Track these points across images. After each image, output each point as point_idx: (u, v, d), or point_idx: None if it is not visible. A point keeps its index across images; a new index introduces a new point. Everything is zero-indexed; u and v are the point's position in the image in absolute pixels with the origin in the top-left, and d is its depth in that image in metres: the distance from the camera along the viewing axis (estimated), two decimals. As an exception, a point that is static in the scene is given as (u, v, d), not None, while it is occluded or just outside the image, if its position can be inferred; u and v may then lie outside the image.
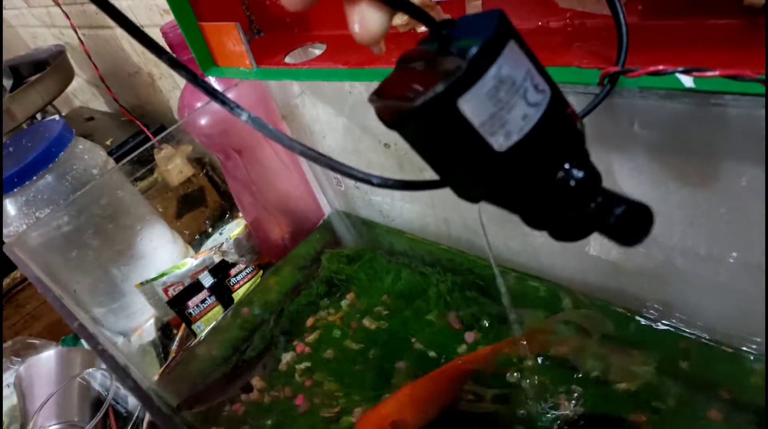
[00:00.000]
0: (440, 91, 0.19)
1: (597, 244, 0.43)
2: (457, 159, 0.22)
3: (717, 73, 0.29)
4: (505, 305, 0.47)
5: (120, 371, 0.44)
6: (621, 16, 0.32)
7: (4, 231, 0.73)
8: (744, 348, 0.40)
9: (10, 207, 0.72)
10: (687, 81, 0.30)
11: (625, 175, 0.36)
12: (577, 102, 0.34)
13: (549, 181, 0.22)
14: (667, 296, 0.42)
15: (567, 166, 0.22)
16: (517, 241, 0.50)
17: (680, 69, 0.30)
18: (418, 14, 0.22)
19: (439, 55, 0.21)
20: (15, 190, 0.70)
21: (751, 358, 0.40)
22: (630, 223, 0.23)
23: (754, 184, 0.31)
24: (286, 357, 0.61)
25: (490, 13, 0.21)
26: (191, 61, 0.59)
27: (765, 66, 0.27)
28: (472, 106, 0.20)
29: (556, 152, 0.22)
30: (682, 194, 0.34)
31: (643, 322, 0.45)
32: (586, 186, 0.22)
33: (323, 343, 0.61)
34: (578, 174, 0.22)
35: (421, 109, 0.20)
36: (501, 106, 0.20)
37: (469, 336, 0.55)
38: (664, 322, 0.44)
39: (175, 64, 0.25)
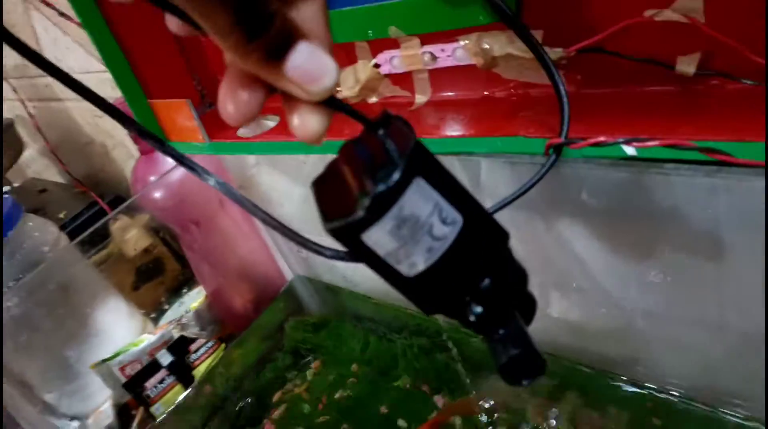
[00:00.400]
0: (342, 225, 0.20)
1: (557, 306, 0.43)
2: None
3: (656, 142, 0.30)
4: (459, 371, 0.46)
5: None
6: (561, 88, 0.33)
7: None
8: (721, 409, 0.40)
9: (-47, 291, 0.69)
10: (630, 151, 0.31)
11: (579, 240, 0.37)
12: (525, 171, 0.35)
13: (459, 305, 0.23)
14: (633, 354, 0.42)
15: (468, 298, 0.23)
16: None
17: (621, 140, 0.31)
18: (354, 115, 0.23)
19: (367, 162, 0.22)
20: (-41, 273, 0.66)
21: (727, 418, 0.40)
22: (518, 367, 0.23)
23: (699, 246, 0.31)
24: (254, 437, 0.58)
25: (407, 138, 0.22)
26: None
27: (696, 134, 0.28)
28: (374, 240, 0.21)
29: (467, 277, 0.23)
30: (634, 257, 0.35)
31: (611, 382, 0.45)
32: (486, 320, 0.23)
33: (292, 419, 0.59)
34: (477, 309, 0.23)
35: (332, 232, 0.21)
36: (404, 242, 0.21)
37: (439, 400, 0.54)
38: (631, 379, 0.44)
39: (142, 134, 0.25)
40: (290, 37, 0.21)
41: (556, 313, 0.43)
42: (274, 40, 0.20)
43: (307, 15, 0.22)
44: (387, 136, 0.22)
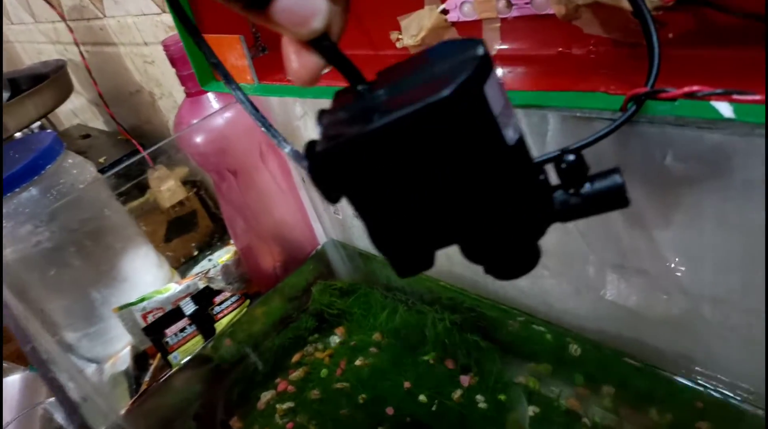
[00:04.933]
0: (470, 74, 0.19)
1: (614, 289, 0.40)
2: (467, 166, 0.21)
3: (759, 98, 0.26)
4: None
5: (68, 405, 0.39)
6: (652, 29, 0.30)
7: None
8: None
9: (-11, 218, 0.69)
10: (726, 110, 0.27)
11: (653, 213, 0.33)
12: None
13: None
14: (690, 349, 0.39)
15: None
16: (526, 280, 0.46)
17: (719, 91, 0.27)
18: (343, 66, 0.22)
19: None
20: (-4, 200, 0.66)
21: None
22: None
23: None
24: (267, 395, 0.56)
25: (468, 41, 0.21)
26: (191, 76, 0.57)
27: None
28: (492, 92, 0.20)
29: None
30: (716, 237, 0.31)
31: (661, 376, 0.41)
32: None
33: (309, 381, 0.57)
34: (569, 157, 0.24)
35: (452, 95, 0.18)
36: (506, 100, 0.21)
37: (465, 380, 0.51)
38: (684, 377, 0.40)
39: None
40: None
41: (611, 296, 0.40)
42: None
43: None
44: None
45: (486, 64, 0.20)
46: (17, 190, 0.68)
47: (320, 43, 0.21)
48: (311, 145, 0.21)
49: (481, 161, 0.20)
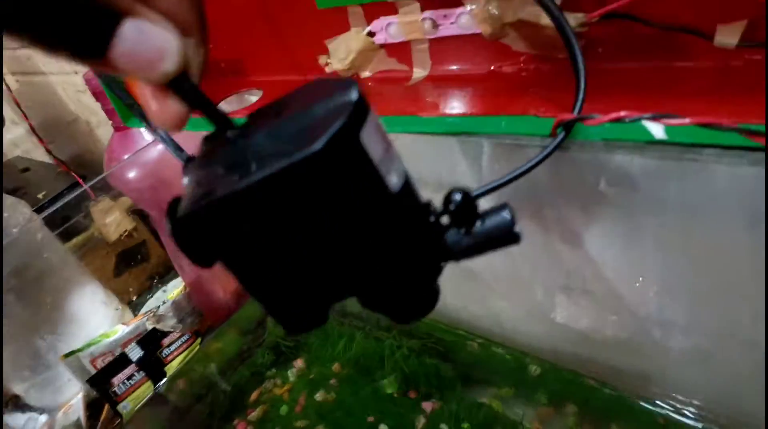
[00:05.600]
0: (343, 123, 0.17)
1: (564, 311, 0.38)
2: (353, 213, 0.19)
3: (688, 120, 0.25)
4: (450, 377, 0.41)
5: None
6: (577, 54, 0.28)
7: None
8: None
9: None
10: (657, 131, 0.26)
11: (594, 236, 0.32)
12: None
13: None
14: (644, 369, 0.38)
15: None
16: (478, 304, 0.45)
17: (647, 116, 0.26)
18: (209, 112, 0.20)
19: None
20: None
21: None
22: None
23: (738, 248, 0.27)
24: (226, 439, 0.54)
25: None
26: (113, 111, 0.54)
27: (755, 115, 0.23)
28: (369, 138, 0.18)
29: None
30: (657, 259, 0.30)
31: (619, 395, 0.41)
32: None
33: (268, 421, 0.54)
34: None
35: (325, 148, 0.17)
36: (387, 146, 0.20)
37: (427, 406, 0.49)
38: (641, 397, 0.39)
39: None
40: (112, 16, 0.17)
41: (561, 319, 0.39)
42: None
43: None
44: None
45: (361, 110, 0.18)
46: (-58, 240, 0.63)
47: (179, 85, 0.19)
48: (174, 203, 0.19)
49: (364, 212, 0.19)
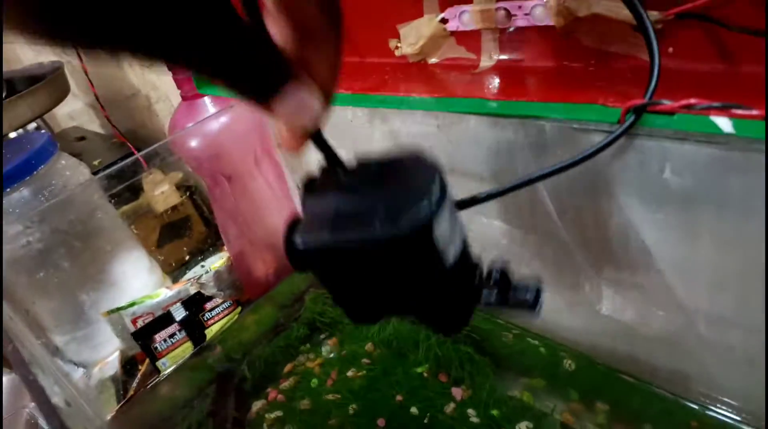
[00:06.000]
0: (423, 225, 0.23)
1: (610, 303, 0.39)
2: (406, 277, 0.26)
3: (756, 112, 0.26)
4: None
5: (47, 409, 0.38)
6: (654, 43, 0.30)
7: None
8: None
9: (-22, 218, 0.68)
10: (725, 125, 0.27)
11: (650, 227, 0.33)
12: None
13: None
14: (686, 366, 0.38)
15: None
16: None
17: (716, 104, 0.27)
18: (327, 153, 0.25)
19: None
20: (-15, 200, 0.65)
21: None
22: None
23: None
24: (257, 405, 0.55)
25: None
26: (188, 79, 0.56)
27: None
28: (441, 223, 0.24)
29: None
30: (712, 253, 0.31)
31: (655, 393, 0.41)
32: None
33: (299, 391, 0.56)
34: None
35: (407, 235, 0.23)
36: (454, 219, 0.26)
37: (457, 393, 0.50)
38: (679, 395, 0.39)
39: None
40: (284, 76, 0.22)
41: (606, 311, 0.39)
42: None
43: (313, 56, 0.23)
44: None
45: (440, 201, 0.23)
46: (8, 190, 0.67)
47: (317, 138, 0.25)
48: (292, 225, 0.26)
49: (424, 276, 0.25)
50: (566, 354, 0.47)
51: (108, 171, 0.69)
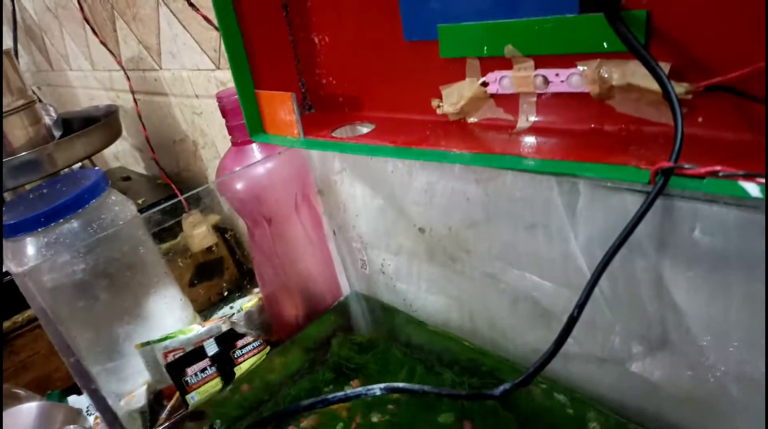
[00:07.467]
0: None
1: (639, 361, 0.40)
2: None
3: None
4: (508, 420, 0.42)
5: (109, 416, 0.40)
6: (678, 109, 0.32)
7: (19, 270, 0.71)
8: None
9: (30, 246, 0.72)
10: (753, 190, 0.29)
11: (681, 286, 0.34)
12: (630, 201, 0.33)
13: None
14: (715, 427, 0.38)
15: None
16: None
17: (740, 173, 0.29)
18: None
19: None
20: (39, 229, 0.69)
21: None
22: None
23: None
24: (280, 444, 0.56)
25: None
26: (240, 126, 0.61)
27: None
28: None
29: None
30: (743, 313, 0.32)
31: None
32: None
33: (322, 431, 0.56)
34: None
35: None
36: None
37: (482, 447, 0.50)
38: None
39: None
40: None
41: (635, 369, 0.40)
42: None
43: None
44: None
45: None
46: (61, 220, 0.71)
47: None
48: None
49: None
50: (593, 415, 0.47)
51: (154, 210, 0.73)
